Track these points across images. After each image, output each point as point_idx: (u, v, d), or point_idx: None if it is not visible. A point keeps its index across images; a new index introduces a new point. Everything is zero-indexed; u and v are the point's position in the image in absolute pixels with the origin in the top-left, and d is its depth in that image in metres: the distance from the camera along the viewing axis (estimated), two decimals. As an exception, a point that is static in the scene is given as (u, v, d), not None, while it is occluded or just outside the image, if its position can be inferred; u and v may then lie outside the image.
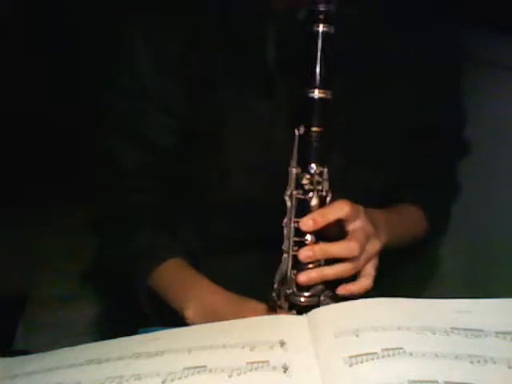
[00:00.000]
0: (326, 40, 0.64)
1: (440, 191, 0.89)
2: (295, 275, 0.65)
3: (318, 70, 0.64)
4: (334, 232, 0.66)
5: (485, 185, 1.30)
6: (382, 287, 0.69)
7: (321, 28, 0.64)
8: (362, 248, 0.65)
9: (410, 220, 0.84)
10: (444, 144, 0.88)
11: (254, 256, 0.80)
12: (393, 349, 0.48)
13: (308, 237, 0.64)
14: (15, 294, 1.67)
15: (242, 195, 0.78)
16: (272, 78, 0.76)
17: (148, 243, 0.81)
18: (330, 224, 0.64)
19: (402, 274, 0.97)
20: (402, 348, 0.48)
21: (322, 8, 0.64)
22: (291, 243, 0.65)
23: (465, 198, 0.94)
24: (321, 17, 0.64)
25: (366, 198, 0.68)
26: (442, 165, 0.90)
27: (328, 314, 0.57)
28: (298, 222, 0.64)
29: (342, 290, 0.66)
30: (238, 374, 0.48)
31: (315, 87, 0.64)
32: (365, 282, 0.67)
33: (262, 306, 0.68)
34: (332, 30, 0.64)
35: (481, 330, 0.51)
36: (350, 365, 0.48)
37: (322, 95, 0.64)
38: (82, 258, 1.94)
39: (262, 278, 0.67)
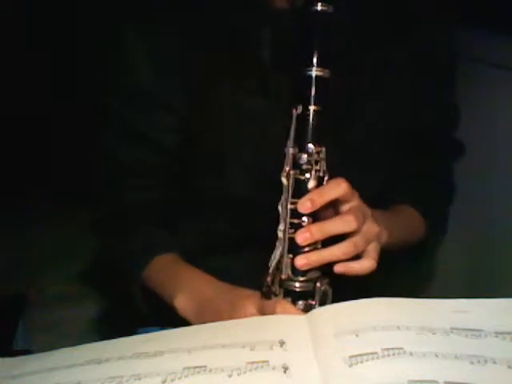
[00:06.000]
0: (324, 19, 0.64)
1: (435, 192, 0.89)
2: (291, 259, 0.63)
3: (315, 48, 0.64)
4: (330, 214, 0.64)
5: (484, 185, 1.30)
6: (382, 287, 0.69)
7: (319, 7, 0.64)
8: (360, 223, 0.62)
9: (408, 222, 0.84)
10: (438, 144, 0.88)
11: (253, 254, 0.80)
12: (393, 349, 0.48)
13: (305, 218, 0.62)
14: (15, 294, 1.67)
15: (240, 193, 0.79)
16: (267, 75, 0.76)
17: (145, 241, 0.81)
18: (327, 204, 0.63)
19: (402, 274, 0.97)
20: (402, 348, 0.48)
21: None
22: (287, 225, 0.63)
23: (465, 198, 0.94)
24: None
25: (360, 198, 0.68)
26: (437, 165, 0.90)
27: (328, 313, 0.57)
28: (294, 203, 0.63)
29: (341, 266, 0.63)
30: (238, 374, 0.48)
31: (313, 65, 0.64)
32: (368, 261, 0.64)
33: (256, 295, 0.66)
34: (330, 10, 0.64)
35: (480, 330, 0.51)
36: (350, 365, 0.48)
37: (319, 73, 0.64)
38: (82, 258, 1.95)
39: (262, 277, 0.67)
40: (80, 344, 0.57)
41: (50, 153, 2.49)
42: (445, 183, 0.92)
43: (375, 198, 0.79)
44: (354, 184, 0.65)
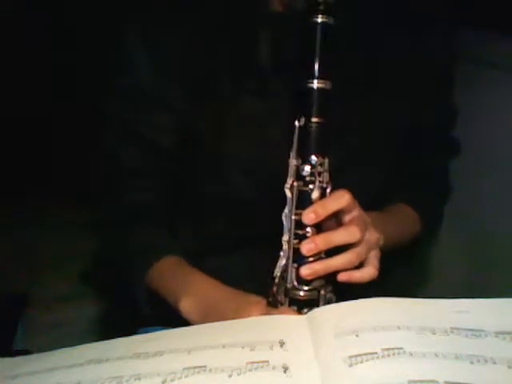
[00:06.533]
0: (325, 31, 0.64)
1: (431, 191, 0.89)
2: (296, 269, 0.64)
3: (317, 60, 0.64)
4: (333, 223, 0.65)
5: (485, 185, 1.30)
6: (382, 287, 0.69)
7: (320, 19, 0.64)
8: (363, 233, 0.64)
9: (403, 222, 0.84)
10: (435, 144, 0.89)
11: (253, 254, 0.80)
12: (393, 349, 0.48)
13: (308, 229, 0.63)
14: (15, 293, 1.67)
15: (240, 194, 0.79)
16: (266, 76, 0.76)
17: (146, 242, 0.81)
18: (330, 215, 0.64)
19: (402, 274, 0.97)
20: (401, 348, 0.48)
21: None
22: (292, 236, 0.64)
23: (464, 198, 0.94)
24: (320, 8, 0.64)
25: (357, 198, 0.68)
26: (434, 164, 0.90)
27: (328, 313, 0.57)
28: (298, 214, 0.63)
29: (344, 275, 0.64)
30: (238, 374, 0.48)
31: (314, 78, 0.64)
32: (369, 270, 0.65)
33: (262, 302, 0.66)
34: (331, 21, 0.64)
35: (481, 330, 0.51)
36: (350, 365, 0.48)
37: (321, 85, 0.64)
38: (82, 258, 1.95)
39: (262, 277, 0.67)
40: (80, 344, 0.57)
41: (50, 153, 2.49)
42: (441, 182, 0.92)
43: (374, 197, 0.79)
44: (354, 184, 0.66)
